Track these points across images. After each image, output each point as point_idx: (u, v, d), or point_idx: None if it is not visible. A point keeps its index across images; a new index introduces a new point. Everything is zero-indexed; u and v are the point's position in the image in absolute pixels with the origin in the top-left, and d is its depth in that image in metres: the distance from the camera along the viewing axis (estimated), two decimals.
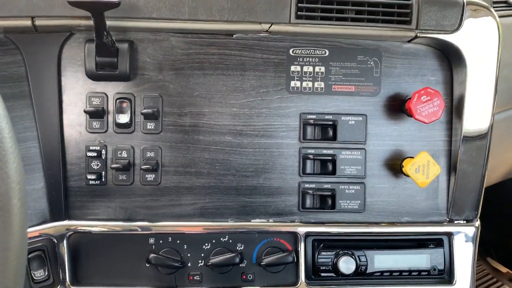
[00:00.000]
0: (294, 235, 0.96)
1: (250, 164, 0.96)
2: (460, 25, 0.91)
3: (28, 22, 0.85)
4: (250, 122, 0.95)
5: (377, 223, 0.98)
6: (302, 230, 0.96)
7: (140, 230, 0.94)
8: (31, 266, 0.91)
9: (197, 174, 0.95)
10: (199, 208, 0.95)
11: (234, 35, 0.93)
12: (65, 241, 0.92)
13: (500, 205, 1.84)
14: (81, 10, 0.80)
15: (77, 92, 0.92)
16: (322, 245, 0.97)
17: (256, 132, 0.95)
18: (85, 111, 0.90)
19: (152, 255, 0.92)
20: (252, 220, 0.96)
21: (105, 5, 0.79)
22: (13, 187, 0.42)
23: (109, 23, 0.84)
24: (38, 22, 0.86)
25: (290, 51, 0.95)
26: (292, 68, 0.96)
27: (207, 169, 0.95)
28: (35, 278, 0.92)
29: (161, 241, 0.95)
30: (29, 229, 0.91)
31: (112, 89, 0.92)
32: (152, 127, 0.93)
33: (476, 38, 0.93)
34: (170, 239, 0.95)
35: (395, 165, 0.98)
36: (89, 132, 0.92)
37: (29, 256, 0.91)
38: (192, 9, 0.87)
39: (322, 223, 0.97)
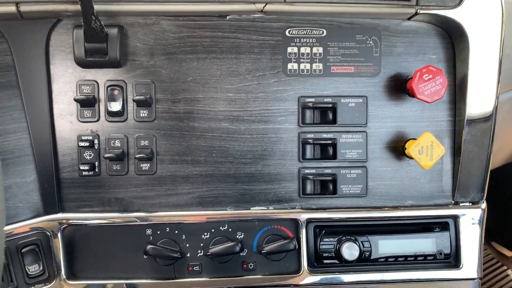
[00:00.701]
0: (295, 222, 0.94)
1: (248, 150, 0.93)
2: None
3: (12, 8, 0.82)
4: (247, 107, 0.92)
5: (380, 208, 0.95)
6: (303, 216, 0.93)
7: (136, 221, 0.91)
8: (25, 261, 0.89)
9: (193, 162, 0.92)
10: (196, 197, 0.93)
11: (228, 17, 0.90)
12: (59, 235, 0.89)
13: (504, 188, 1.81)
14: None
15: (66, 80, 0.89)
16: (324, 231, 0.94)
17: (253, 117, 0.92)
18: (75, 100, 0.87)
19: (149, 246, 0.89)
20: (251, 208, 0.94)
21: None
22: None
23: (97, 7, 0.81)
24: (23, 8, 0.82)
25: (286, 32, 0.92)
26: (289, 49, 0.92)
27: (204, 157, 0.92)
28: (29, 273, 0.89)
29: (158, 232, 0.92)
30: (22, 223, 0.89)
31: (102, 76, 0.89)
32: (145, 114, 0.90)
33: (478, 14, 0.90)
34: (168, 229, 0.92)
35: (397, 147, 0.95)
36: (81, 122, 0.89)
37: (23, 250, 0.89)
38: None
39: (323, 209, 0.94)
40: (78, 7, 0.81)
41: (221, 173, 0.93)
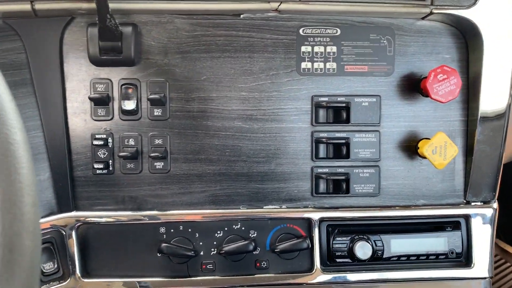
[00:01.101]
0: (308, 221, 0.94)
1: (261, 149, 0.93)
2: None
3: (27, 6, 0.82)
4: (260, 106, 0.92)
5: (392, 207, 0.95)
6: (316, 215, 0.94)
7: (150, 219, 0.91)
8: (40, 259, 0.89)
9: (207, 161, 0.92)
10: (210, 196, 0.93)
11: (242, 15, 0.90)
12: (73, 233, 0.90)
13: (510, 185, 1.82)
14: None
15: (80, 78, 0.89)
16: (337, 230, 0.95)
17: (266, 116, 0.92)
18: (89, 98, 0.87)
19: (163, 244, 0.90)
20: (264, 207, 0.94)
21: None
22: (27, 227, 0.38)
23: (111, 5, 0.80)
24: (37, 6, 0.82)
25: (300, 30, 0.92)
26: (303, 48, 0.92)
27: (217, 155, 0.92)
28: (44, 271, 0.90)
29: (172, 230, 0.92)
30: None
31: (116, 74, 0.89)
32: (160, 113, 0.90)
33: (493, 13, 0.90)
34: (181, 227, 0.92)
35: (410, 147, 0.95)
36: (95, 120, 0.89)
37: None
38: None
39: (336, 208, 0.95)
40: (92, 5, 0.80)
41: (234, 172, 0.93)
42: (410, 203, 0.96)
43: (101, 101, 0.88)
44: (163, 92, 0.89)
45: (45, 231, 0.89)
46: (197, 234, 0.93)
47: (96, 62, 0.87)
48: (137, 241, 0.92)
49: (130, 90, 0.89)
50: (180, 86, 0.90)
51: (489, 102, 0.93)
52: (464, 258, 0.97)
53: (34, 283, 0.39)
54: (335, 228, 0.95)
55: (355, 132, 0.94)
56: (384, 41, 0.93)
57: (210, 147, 0.92)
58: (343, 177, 0.94)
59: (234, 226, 0.94)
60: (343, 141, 0.94)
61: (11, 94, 0.41)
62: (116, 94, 0.89)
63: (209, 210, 0.93)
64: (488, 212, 0.97)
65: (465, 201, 0.97)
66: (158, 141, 0.90)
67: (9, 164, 0.38)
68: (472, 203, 0.97)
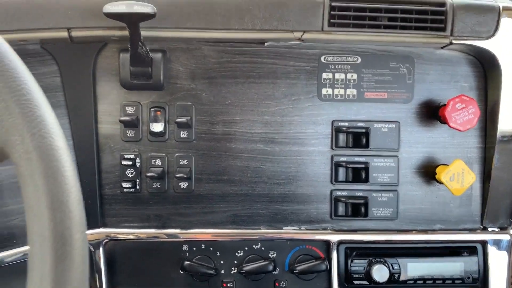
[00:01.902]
0: (327, 243, 0.96)
1: (282, 171, 0.96)
2: (496, 31, 0.90)
3: (64, 34, 0.87)
4: (282, 130, 0.95)
5: (410, 231, 0.97)
6: (334, 238, 0.96)
7: (173, 237, 0.95)
8: None
9: (229, 182, 0.95)
10: (231, 216, 0.96)
11: (266, 44, 0.93)
12: (101, 249, 0.94)
13: None
14: (116, 21, 0.81)
15: (111, 101, 0.93)
16: (354, 253, 0.97)
17: (287, 139, 0.96)
18: (120, 121, 0.91)
19: (186, 262, 0.93)
20: (284, 228, 0.97)
21: (141, 16, 0.80)
22: (75, 222, 0.43)
23: (143, 33, 0.85)
24: (74, 33, 0.87)
25: (322, 58, 0.95)
26: (324, 75, 0.95)
27: (239, 176, 0.96)
28: None
29: (194, 248, 0.96)
30: None
31: (145, 98, 0.93)
32: (186, 135, 0.94)
33: (511, 44, 0.92)
34: (203, 246, 0.96)
35: (428, 172, 0.97)
36: (124, 141, 0.93)
37: None
38: (225, 19, 0.88)
39: (354, 231, 0.97)
40: (125, 33, 0.85)
41: (256, 193, 0.96)
42: (427, 227, 0.98)
43: (130, 124, 0.92)
44: (190, 115, 0.93)
45: None
46: (218, 252, 0.96)
47: (127, 86, 0.91)
48: (161, 258, 0.96)
49: (158, 113, 0.93)
50: (205, 110, 0.94)
51: (507, 129, 0.95)
52: (480, 283, 0.98)
53: (85, 271, 0.43)
54: (353, 250, 0.97)
55: (374, 157, 0.96)
56: (404, 69, 0.96)
57: (233, 169, 0.95)
58: (361, 201, 0.97)
59: (254, 246, 0.97)
60: (362, 165, 0.96)
61: (52, 109, 0.46)
62: (144, 117, 0.93)
63: (230, 229, 0.96)
64: (505, 238, 0.98)
65: (481, 226, 0.98)
66: (183, 162, 0.94)
67: (55, 168, 0.42)
68: (489, 229, 0.98)
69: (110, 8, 0.81)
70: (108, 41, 0.92)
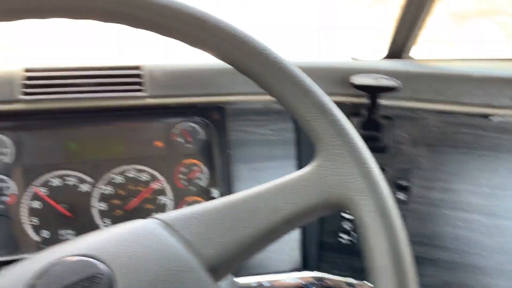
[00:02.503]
0: None
1: (499, 247, 0.95)
2: None
3: None
4: (501, 204, 0.96)
5: None
6: None
7: None
8: None
9: (441, 247, 0.98)
10: (440, 281, 0.98)
11: (491, 117, 0.97)
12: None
13: None
14: (357, 89, 0.93)
15: None
16: None
17: (507, 214, 0.95)
18: None
19: None
20: None
21: (386, 89, 0.90)
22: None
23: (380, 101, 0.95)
24: None
25: None
26: None
27: (452, 244, 0.98)
28: None
29: None
30: (285, 275, 1.04)
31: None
32: (402, 197, 1.00)
33: None
34: None
35: None
36: None
37: None
38: (458, 93, 0.94)
39: None
40: (361, 100, 0.96)
41: (467, 263, 0.97)
42: None
43: None
44: (408, 179, 0.99)
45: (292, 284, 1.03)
46: None
47: None
48: None
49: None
50: (423, 175, 1.00)
51: None
52: None
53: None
54: None
55: None
56: None
57: (446, 235, 0.98)
58: None
59: None
60: None
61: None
62: None
63: None
64: None
65: None
66: None
67: (389, 225, 0.47)
68: None
69: (358, 79, 0.93)
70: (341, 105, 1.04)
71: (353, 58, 1.27)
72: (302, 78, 0.47)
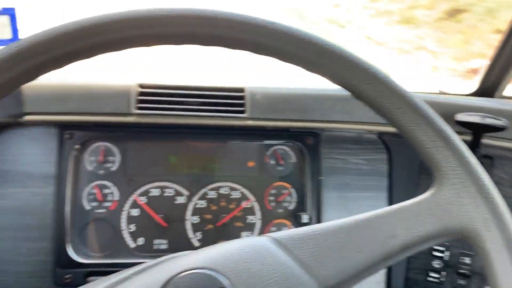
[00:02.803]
0: None
1: None
2: None
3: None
4: None
5: None
6: None
7: None
8: None
9: None
10: None
11: None
12: None
13: None
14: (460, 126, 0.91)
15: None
16: None
17: None
18: None
19: None
20: None
21: (493, 128, 0.88)
22: None
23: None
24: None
25: None
26: None
27: None
28: None
29: None
30: None
31: None
32: None
33: None
34: None
35: None
36: None
37: None
38: None
39: None
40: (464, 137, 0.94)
41: None
42: None
43: None
44: None
45: None
46: None
47: None
48: None
49: None
50: None
51: None
52: None
53: None
54: None
55: None
56: None
57: None
58: None
59: None
60: None
61: None
62: None
63: None
64: None
65: None
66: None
67: None
68: None
69: (463, 117, 0.91)
70: None
71: (441, 92, 1.26)
72: (422, 106, 0.47)
